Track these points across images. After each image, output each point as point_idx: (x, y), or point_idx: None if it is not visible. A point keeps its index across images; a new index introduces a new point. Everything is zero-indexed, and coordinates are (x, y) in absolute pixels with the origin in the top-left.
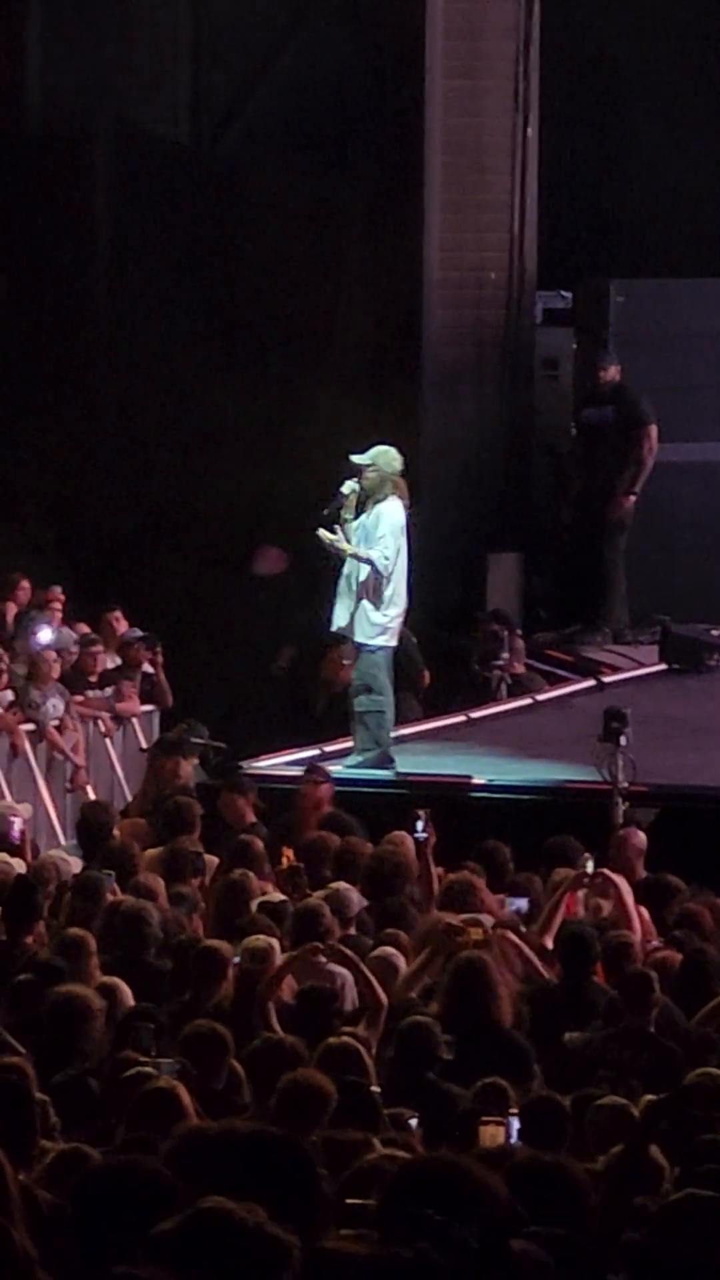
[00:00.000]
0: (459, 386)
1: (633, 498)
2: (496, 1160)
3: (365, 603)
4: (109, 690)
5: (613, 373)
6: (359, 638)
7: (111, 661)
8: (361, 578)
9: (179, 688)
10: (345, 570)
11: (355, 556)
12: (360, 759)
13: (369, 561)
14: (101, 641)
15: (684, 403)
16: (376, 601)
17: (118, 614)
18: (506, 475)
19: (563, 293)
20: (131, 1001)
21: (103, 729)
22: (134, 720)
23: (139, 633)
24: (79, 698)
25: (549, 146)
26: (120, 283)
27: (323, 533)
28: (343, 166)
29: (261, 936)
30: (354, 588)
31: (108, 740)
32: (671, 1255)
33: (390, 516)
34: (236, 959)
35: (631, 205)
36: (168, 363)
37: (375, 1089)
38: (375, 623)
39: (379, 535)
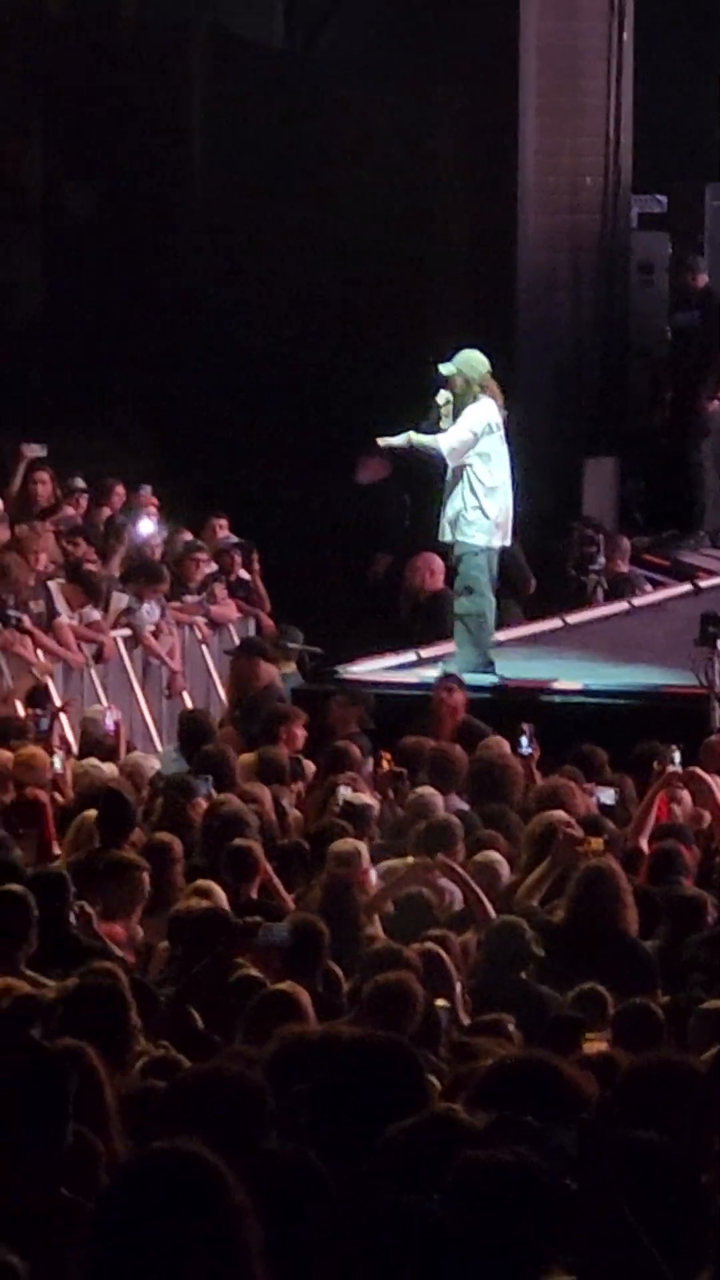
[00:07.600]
0: (554, 292)
1: (717, 402)
2: (598, 1067)
3: (465, 501)
4: (204, 595)
5: (702, 278)
6: (459, 538)
7: (211, 569)
8: (459, 482)
9: (277, 594)
10: (447, 478)
11: (422, 447)
12: (460, 663)
13: (436, 451)
14: (205, 548)
15: None
16: (475, 500)
17: (222, 521)
18: (602, 380)
19: (658, 196)
20: (226, 905)
21: (199, 635)
22: (230, 626)
23: (235, 539)
24: (175, 603)
25: (645, 50)
26: (215, 189)
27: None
28: (437, 71)
29: (349, 840)
30: (452, 494)
31: (204, 646)
32: None
33: (471, 414)
34: None
35: None
36: (263, 267)
37: (443, 1003)
38: (473, 522)
39: (451, 429)
